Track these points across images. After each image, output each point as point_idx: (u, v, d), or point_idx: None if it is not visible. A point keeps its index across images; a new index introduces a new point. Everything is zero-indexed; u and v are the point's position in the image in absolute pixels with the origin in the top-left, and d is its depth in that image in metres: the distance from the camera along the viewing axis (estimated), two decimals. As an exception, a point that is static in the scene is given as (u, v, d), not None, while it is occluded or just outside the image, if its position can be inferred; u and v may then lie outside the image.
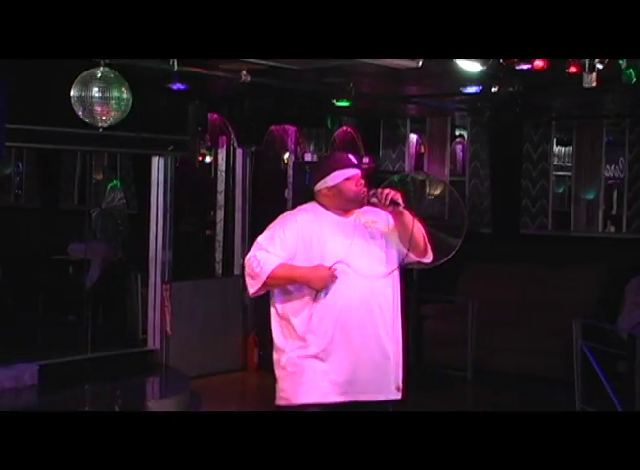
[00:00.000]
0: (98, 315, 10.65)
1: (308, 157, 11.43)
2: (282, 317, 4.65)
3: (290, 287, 4.59)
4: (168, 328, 9.56)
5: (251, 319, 10.32)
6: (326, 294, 4.56)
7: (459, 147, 12.37)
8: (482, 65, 7.09)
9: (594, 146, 11.27)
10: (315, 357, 4.56)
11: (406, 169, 12.15)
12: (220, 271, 10.72)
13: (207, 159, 11.63)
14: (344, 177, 4.71)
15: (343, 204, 4.73)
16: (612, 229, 11.42)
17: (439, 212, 10.32)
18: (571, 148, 11.60)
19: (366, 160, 11.28)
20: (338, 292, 4.57)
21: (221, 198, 10.77)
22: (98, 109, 6.78)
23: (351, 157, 4.89)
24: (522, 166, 11.56)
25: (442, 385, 9.87)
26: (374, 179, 11.04)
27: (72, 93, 6.82)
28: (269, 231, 4.66)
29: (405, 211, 4.72)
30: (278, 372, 4.66)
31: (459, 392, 9.83)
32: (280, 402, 4.61)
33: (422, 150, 12.51)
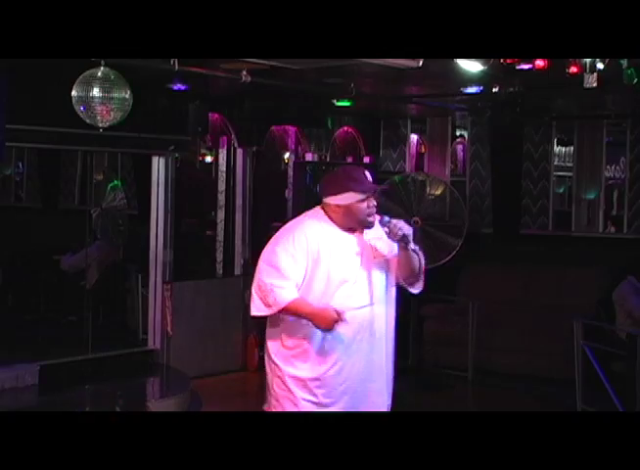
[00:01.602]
0: (99, 315, 10.65)
1: (309, 157, 11.44)
2: (281, 331, 4.61)
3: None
4: (169, 328, 9.56)
5: (252, 320, 10.30)
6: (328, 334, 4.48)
7: (460, 147, 12.37)
8: (483, 65, 7.09)
9: (595, 146, 11.28)
10: (307, 383, 4.51)
11: (407, 170, 12.16)
12: (221, 271, 10.71)
13: (208, 159, 11.63)
14: (359, 199, 4.58)
15: (351, 223, 4.62)
16: (612, 229, 11.42)
17: (440, 213, 10.32)
18: (571, 148, 11.60)
19: (308, 155, 11.30)
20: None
21: (222, 198, 10.77)
22: (99, 109, 6.78)
23: (368, 176, 4.69)
24: (522, 167, 11.57)
25: (443, 385, 9.88)
26: (373, 179, 11.09)
27: (73, 93, 6.83)
28: (281, 246, 4.55)
29: (412, 253, 4.61)
30: (269, 389, 4.64)
31: (460, 392, 9.83)
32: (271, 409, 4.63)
33: (422, 150, 12.52)
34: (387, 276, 4.66)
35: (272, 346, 4.64)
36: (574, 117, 11.44)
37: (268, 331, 4.68)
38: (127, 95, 6.86)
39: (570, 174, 11.65)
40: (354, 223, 4.61)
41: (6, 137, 7.72)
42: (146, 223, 9.88)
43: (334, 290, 4.51)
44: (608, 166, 11.33)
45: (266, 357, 4.68)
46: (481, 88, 8.93)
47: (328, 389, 4.52)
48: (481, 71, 7.38)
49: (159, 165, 9.71)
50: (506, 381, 9.75)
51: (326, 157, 11.90)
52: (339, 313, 4.42)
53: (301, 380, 4.52)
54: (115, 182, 11.90)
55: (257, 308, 4.55)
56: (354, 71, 7.95)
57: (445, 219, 10.26)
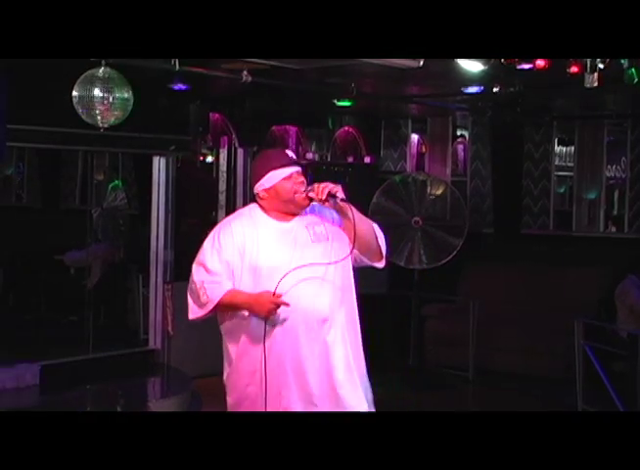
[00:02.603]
0: (99, 315, 10.65)
1: (310, 157, 11.43)
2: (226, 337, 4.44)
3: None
4: (170, 328, 9.56)
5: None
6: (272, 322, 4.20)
7: (460, 147, 12.36)
8: (484, 65, 7.09)
9: (595, 146, 11.27)
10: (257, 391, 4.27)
11: (407, 169, 12.15)
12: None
13: (209, 159, 11.62)
14: (282, 177, 4.29)
15: (282, 206, 4.33)
16: (613, 229, 11.41)
17: (441, 213, 10.33)
18: (572, 148, 11.59)
19: (309, 155, 11.24)
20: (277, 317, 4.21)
21: (222, 198, 10.77)
22: (99, 109, 6.78)
23: (288, 153, 4.46)
24: (523, 166, 11.57)
25: (444, 385, 9.88)
26: (374, 179, 11.10)
27: (74, 93, 6.83)
28: (208, 243, 4.38)
29: (347, 206, 4.23)
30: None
31: (460, 392, 9.83)
32: None
33: (423, 150, 12.51)
34: (331, 259, 4.29)
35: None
36: (575, 116, 11.43)
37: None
38: (128, 95, 6.86)
39: (570, 174, 11.65)
40: (285, 205, 4.32)
41: (7, 137, 7.72)
42: (147, 223, 9.88)
43: (266, 280, 4.21)
44: (608, 166, 11.32)
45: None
46: (482, 88, 8.93)
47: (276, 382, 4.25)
48: (482, 71, 7.38)
49: (159, 165, 9.71)
50: (507, 381, 9.75)
51: (327, 157, 11.90)
52: (276, 296, 4.14)
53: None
54: (116, 182, 11.91)
55: (193, 311, 4.36)
56: (355, 71, 7.95)
57: (446, 219, 10.27)
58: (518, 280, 10.85)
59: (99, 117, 6.83)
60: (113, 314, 11.03)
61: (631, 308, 9.09)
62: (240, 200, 10.62)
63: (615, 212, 11.47)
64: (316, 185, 4.22)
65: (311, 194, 4.25)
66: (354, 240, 4.29)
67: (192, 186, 11.09)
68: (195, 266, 4.38)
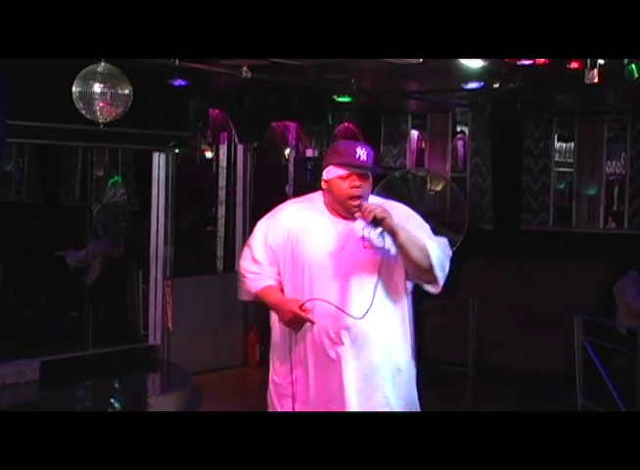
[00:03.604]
0: (99, 311, 10.66)
1: (309, 153, 11.44)
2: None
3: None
4: (169, 324, 9.57)
5: (253, 315, 10.32)
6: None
7: (460, 143, 12.36)
8: (484, 61, 7.10)
9: (595, 142, 11.27)
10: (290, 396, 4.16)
11: (407, 165, 12.15)
12: (221, 267, 10.72)
13: (209, 155, 11.63)
14: (337, 174, 4.09)
15: (334, 203, 4.12)
16: (613, 225, 11.41)
17: (441, 209, 10.32)
18: (572, 144, 11.60)
19: (309, 151, 11.18)
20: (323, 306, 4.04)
21: (222, 194, 10.78)
22: (99, 105, 6.78)
23: (358, 151, 4.12)
24: (523, 162, 11.57)
25: (443, 381, 9.87)
26: (374, 175, 11.08)
27: (74, 89, 6.83)
28: (262, 224, 4.26)
29: (398, 231, 4.01)
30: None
31: (460, 388, 9.84)
32: None
33: (423, 146, 12.51)
34: (380, 274, 4.05)
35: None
36: (575, 112, 11.43)
37: None
38: (128, 91, 6.87)
39: (570, 170, 11.65)
40: (336, 204, 4.11)
41: (6, 133, 7.72)
42: (146, 219, 9.89)
43: (304, 272, 4.07)
44: (608, 162, 11.32)
45: None
46: (482, 84, 8.93)
47: (299, 404, 4.13)
48: (482, 67, 7.39)
49: (159, 161, 9.71)
50: (506, 377, 9.75)
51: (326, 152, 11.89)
52: (302, 308, 3.98)
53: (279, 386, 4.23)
54: (116, 178, 11.91)
55: (240, 294, 4.35)
56: (355, 67, 7.95)
57: (446, 215, 10.26)
58: (517, 276, 10.85)
59: (99, 113, 6.83)
60: (112, 310, 11.04)
61: (628, 307, 9.11)
62: (240, 196, 10.63)
63: (614, 208, 11.46)
64: (365, 205, 4.01)
65: (357, 214, 4.02)
66: (405, 264, 4.10)
67: (191, 182, 11.11)
68: (245, 248, 4.31)
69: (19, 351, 8.63)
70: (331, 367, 4.05)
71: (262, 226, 4.24)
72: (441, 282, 4.21)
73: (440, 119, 12.19)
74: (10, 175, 14.20)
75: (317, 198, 4.23)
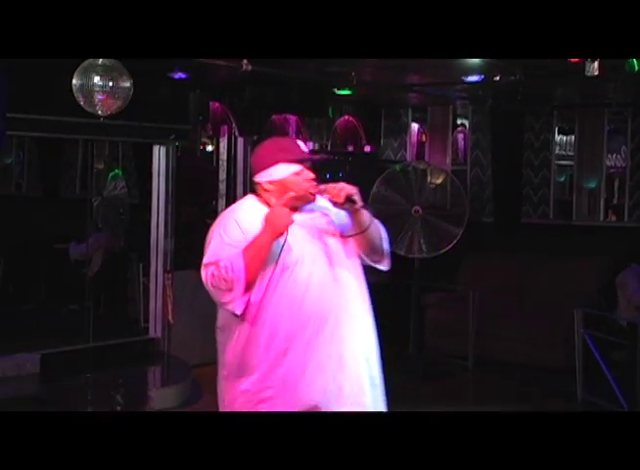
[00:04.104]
0: (100, 304, 10.67)
1: (310, 146, 11.43)
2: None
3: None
4: (170, 317, 9.57)
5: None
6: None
7: (460, 136, 12.35)
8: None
9: (596, 135, 11.26)
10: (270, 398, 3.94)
11: (408, 158, 12.15)
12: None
13: (209, 148, 11.63)
14: (292, 172, 3.97)
15: (289, 202, 3.97)
16: (613, 218, 11.41)
17: (441, 202, 10.33)
18: (572, 137, 11.58)
19: (309, 144, 11.15)
20: (288, 312, 3.90)
21: (223, 187, 10.78)
22: (99, 97, 6.78)
23: (300, 145, 4.09)
24: (523, 155, 11.56)
25: (443, 373, 9.89)
26: (374, 168, 11.09)
27: (74, 82, 6.83)
28: (214, 243, 3.99)
29: (363, 211, 3.98)
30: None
31: (460, 380, 9.84)
32: None
33: (423, 139, 12.50)
34: (341, 256, 4.03)
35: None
36: (576, 105, 11.42)
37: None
38: (128, 84, 6.86)
39: (571, 163, 11.64)
40: (292, 202, 3.97)
41: (6, 126, 7.72)
42: (147, 212, 9.89)
43: (277, 277, 3.91)
44: (609, 155, 11.31)
45: None
46: (482, 77, 8.92)
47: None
48: (483, 60, 7.38)
49: (159, 154, 9.71)
50: (506, 369, 9.75)
51: (327, 146, 11.89)
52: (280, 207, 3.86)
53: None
54: (116, 171, 11.91)
55: (230, 301, 3.92)
56: (355, 60, 7.94)
57: (446, 208, 10.26)
58: (518, 269, 10.85)
59: (99, 106, 6.83)
60: (113, 303, 11.04)
61: (630, 300, 9.11)
62: (240, 189, 10.62)
63: (615, 202, 11.45)
64: (331, 186, 3.92)
65: (325, 196, 3.97)
66: (363, 244, 4.09)
67: (192, 175, 11.11)
68: (206, 269, 3.99)
69: (19, 344, 8.63)
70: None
71: (220, 241, 3.98)
72: (389, 258, 4.21)
73: (441, 112, 12.18)
74: (10, 168, 14.19)
75: (252, 202, 4.07)
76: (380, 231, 4.14)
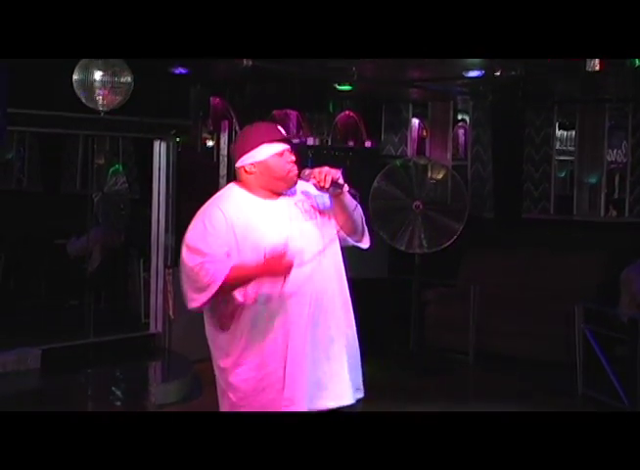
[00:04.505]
0: (100, 300, 10.67)
1: (310, 141, 11.42)
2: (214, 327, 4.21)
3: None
4: (171, 312, 9.57)
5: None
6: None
7: (461, 131, 12.34)
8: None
9: (597, 130, 11.25)
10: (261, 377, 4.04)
11: (408, 154, 12.14)
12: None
13: (209, 143, 11.62)
14: (274, 152, 4.06)
15: (271, 183, 4.09)
16: (614, 213, 11.40)
17: (441, 197, 10.32)
18: (573, 132, 11.57)
19: (310, 140, 11.14)
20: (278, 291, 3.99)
21: (223, 182, 10.75)
22: (100, 93, 6.79)
23: (280, 128, 4.23)
24: (524, 151, 11.55)
25: (444, 368, 9.89)
26: (375, 163, 11.08)
27: (74, 77, 6.84)
28: (197, 231, 4.04)
29: (346, 193, 4.09)
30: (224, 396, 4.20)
31: (460, 376, 9.84)
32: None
33: (424, 134, 12.49)
34: (322, 238, 4.12)
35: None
36: (576, 100, 11.41)
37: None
38: (128, 79, 6.87)
39: (571, 158, 11.62)
40: (275, 182, 4.08)
41: (7, 121, 7.72)
42: (147, 208, 9.89)
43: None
44: (610, 150, 11.29)
45: None
46: (483, 72, 8.92)
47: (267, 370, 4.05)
48: (483, 55, 7.35)
49: (160, 150, 9.71)
50: (507, 365, 9.75)
51: (327, 141, 11.88)
52: (282, 255, 3.91)
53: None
54: (117, 166, 11.91)
55: (192, 299, 4.02)
56: (356, 55, 7.92)
57: (447, 204, 10.26)
58: (518, 264, 10.85)
59: (100, 101, 6.84)
60: (114, 299, 11.04)
61: (633, 297, 9.08)
62: (240, 184, 10.61)
63: (615, 197, 11.45)
64: (316, 171, 4.03)
65: (312, 181, 4.06)
66: (346, 225, 4.20)
67: (192, 170, 11.10)
68: (186, 254, 4.01)
69: (20, 339, 8.64)
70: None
71: (202, 229, 4.05)
72: (368, 236, 4.31)
73: (441, 108, 12.17)
74: (10, 164, 14.18)
75: (233, 190, 4.19)
76: (360, 211, 4.25)
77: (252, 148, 4.08)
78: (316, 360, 4.06)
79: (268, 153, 4.07)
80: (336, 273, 4.17)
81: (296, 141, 4.35)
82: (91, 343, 9.12)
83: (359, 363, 4.27)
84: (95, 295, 10.13)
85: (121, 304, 10.99)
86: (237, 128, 10.66)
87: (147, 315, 9.88)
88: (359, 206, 4.24)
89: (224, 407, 4.24)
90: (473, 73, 9.05)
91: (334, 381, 4.10)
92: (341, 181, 4.04)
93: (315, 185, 4.07)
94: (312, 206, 4.16)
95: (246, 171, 4.13)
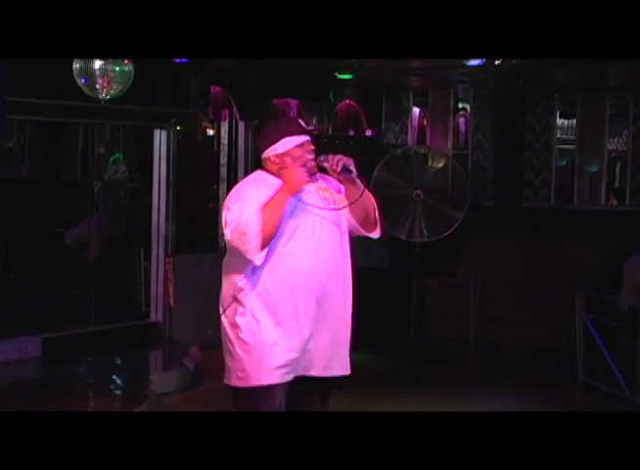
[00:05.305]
0: (101, 288, 10.67)
1: (311, 129, 11.41)
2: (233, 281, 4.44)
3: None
4: (171, 301, 9.58)
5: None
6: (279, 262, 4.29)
7: (462, 120, 12.33)
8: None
9: (597, 118, 11.24)
10: (267, 332, 4.33)
11: (409, 143, 12.13)
12: (223, 244, 10.67)
13: (210, 132, 11.61)
14: (295, 144, 4.40)
15: None
16: (615, 202, 11.40)
17: (442, 186, 10.32)
18: (574, 121, 11.57)
19: (310, 128, 11.15)
20: (292, 263, 4.31)
21: (224, 171, 10.76)
22: (100, 81, 6.78)
23: (301, 122, 4.59)
24: (524, 139, 11.54)
25: (444, 357, 9.90)
26: (376, 152, 11.08)
27: (75, 65, 6.82)
28: (236, 205, 4.30)
29: (357, 180, 4.42)
30: (230, 347, 4.49)
31: (461, 364, 9.85)
32: (238, 383, 4.40)
33: (425, 123, 12.48)
34: (339, 225, 4.47)
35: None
36: (577, 89, 11.39)
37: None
38: (129, 68, 6.85)
39: (572, 147, 11.62)
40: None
41: (7, 110, 7.71)
42: (148, 196, 9.88)
43: (284, 243, 4.31)
44: (610, 139, 11.29)
45: None
46: (484, 60, 8.90)
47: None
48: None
49: (160, 138, 9.71)
50: (507, 353, 9.77)
51: (328, 129, 11.88)
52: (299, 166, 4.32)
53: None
54: (117, 155, 11.90)
55: (250, 250, 4.21)
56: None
57: (447, 192, 10.26)
58: (519, 253, 10.85)
59: (100, 90, 6.83)
60: (114, 287, 11.05)
61: (636, 287, 9.08)
62: (241, 173, 10.61)
63: (616, 185, 11.45)
64: (330, 156, 4.37)
65: (325, 164, 4.39)
66: (357, 213, 4.49)
67: (193, 159, 11.09)
68: (228, 227, 4.27)
69: (21, 328, 8.65)
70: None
71: (240, 202, 4.31)
72: (380, 227, 4.63)
73: (442, 96, 12.15)
74: (11, 152, 14.17)
75: (263, 175, 4.47)
76: (372, 201, 4.56)
77: (276, 141, 4.41)
78: (312, 334, 4.36)
79: (290, 144, 4.40)
80: (343, 261, 4.47)
81: (314, 132, 4.50)
82: (92, 331, 9.12)
83: (347, 346, 4.52)
84: (96, 283, 10.13)
85: (122, 292, 11.00)
86: (237, 117, 10.65)
87: (147, 304, 9.89)
88: (371, 195, 4.53)
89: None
90: (473, 62, 9.03)
91: (324, 354, 4.40)
92: (352, 168, 4.36)
93: (328, 168, 4.40)
94: (332, 195, 4.48)
95: (271, 161, 4.44)
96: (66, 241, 11.52)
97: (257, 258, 4.24)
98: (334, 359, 4.43)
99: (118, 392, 8.09)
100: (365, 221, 4.55)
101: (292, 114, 11.40)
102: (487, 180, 11.81)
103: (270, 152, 4.42)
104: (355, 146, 11.47)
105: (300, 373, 4.35)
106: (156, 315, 9.70)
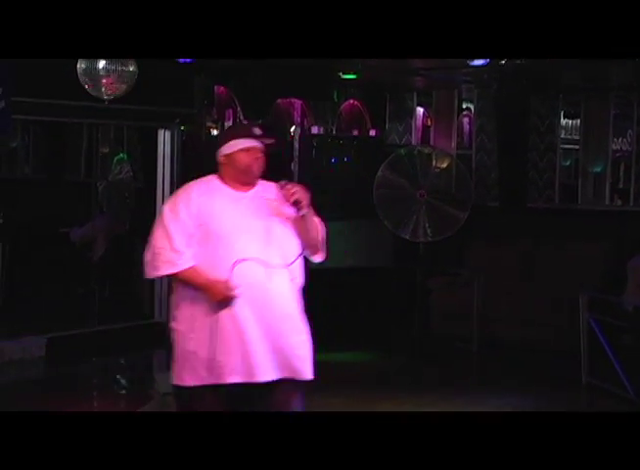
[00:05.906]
0: (105, 288, 10.68)
1: (315, 130, 11.41)
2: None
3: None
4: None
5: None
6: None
7: (466, 120, 12.33)
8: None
9: (602, 118, 11.23)
10: (196, 337, 4.54)
11: (413, 143, 12.13)
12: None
13: (214, 132, 11.61)
14: (239, 147, 4.51)
15: (236, 175, 4.54)
16: (619, 202, 11.39)
17: (446, 186, 10.31)
18: (578, 121, 11.56)
19: (314, 128, 11.16)
20: (226, 268, 4.38)
21: (227, 171, 10.76)
22: (104, 81, 6.78)
23: (255, 129, 4.63)
24: (529, 139, 11.53)
25: (448, 357, 9.90)
26: (380, 152, 11.07)
27: (79, 66, 6.83)
28: (168, 207, 4.54)
29: (306, 217, 4.47)
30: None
31: (464, 364, 9.85)
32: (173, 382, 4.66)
33: (428, 123, 12.48)
34: (290, 237, 4.51)
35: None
36: (581, 89, 11.38)
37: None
38: (133, 68, 6.86)
39: (576, 147, 11.61)
40: (238, 175, 4.53)
41: (12, 110, 7.72)
42: (152, 196, 9.89)
43: (219, 246, 4.41)
44: (615, 139, 11.27)
45: None
46: (488, 61, 8.89)
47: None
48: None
49: (164, 138, 9.72)
50: (511, 353, 9.77)
51: (332, 130, 11.88)
52: (230, 288, 4.34)
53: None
54: (122, 155, 11.91)
55: (149, 270, 4.50)
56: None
57: (451, 192, 10.25)
58: (523, 253, 10.84)
59: (104, 90, 6.83)
60: (119, 287, 11.05)
61: (639, 285, 9.07)
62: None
63: (620, 186, 11.44)
64: (290, 185, 4.44)
65: (281, 191, 4.44)
66: (303, 241, 4.51)
67: (197, 159, 11.09)
68: (157, 229, 4.48)
69: (25, 327, 8.66)
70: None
71: (170, 208, 4.53)
72: (325, 254, 4.65)
73: (446, 96, 12.15)
74: (15, 152, 14.18)
75: (212, 178, 4.63)
76: (319, 231, 4.59)
77: (225, 142, 4.58)
78: (250, 339, 4.40)
79: (235, 147, 4.52)
80: (287, 272, 4.48)
81: (268, 142, 4.61)
82: (96, 331, 9.14)
83: (298, 349, 4.52)
84: (100, 283, 10.13)
85: (126, 292, 11.00)
86: (241, 117, 10.66)
87: (151, 304, 9.89)
88: (322, 225, 4.59)
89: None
90: (477, 62, 9.02)
91: (265, 359, 4.42)
92: (303, 204, 4.40)
93: (283, 197, 4.43)
94: (277, 204, 4.49)
95: (219, 163, 4.59)
96: (72, 239, 11.52)
97: (148, 276, 4.54)
98: (280, 363, 4.42)
99: (123, 391, 8.10)
100: (308, 247, 4.57)
101: (295, 114, 11.41)
102: (491, 180, 11.81)
103: (220, 153, 4.56)
104: (359, 146, 11.47)
105: (245, 378, 4.38)
106: (160, 315, 9.71)
